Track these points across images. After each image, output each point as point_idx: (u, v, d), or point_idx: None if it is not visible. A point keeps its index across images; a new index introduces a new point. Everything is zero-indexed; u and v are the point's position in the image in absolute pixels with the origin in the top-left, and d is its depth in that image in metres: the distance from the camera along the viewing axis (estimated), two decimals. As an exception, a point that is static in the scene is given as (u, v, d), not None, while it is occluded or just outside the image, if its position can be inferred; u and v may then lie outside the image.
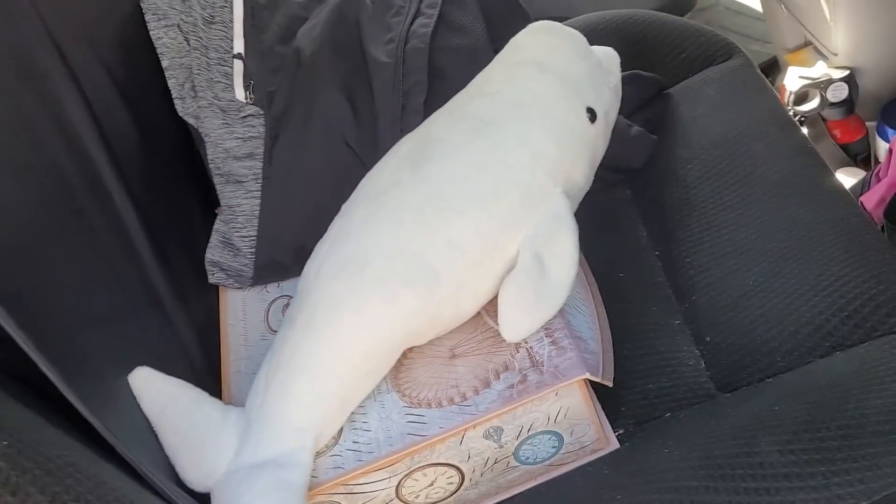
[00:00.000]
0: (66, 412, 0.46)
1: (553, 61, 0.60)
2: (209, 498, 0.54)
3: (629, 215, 0.76)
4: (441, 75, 0.70)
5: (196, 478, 0.54)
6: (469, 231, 0.55)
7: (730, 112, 0.76)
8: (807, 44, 1.25)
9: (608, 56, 0.64)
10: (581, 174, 0.60)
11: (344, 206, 0.60)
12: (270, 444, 0.54)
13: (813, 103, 1.03)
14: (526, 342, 0.58)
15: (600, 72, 0.62)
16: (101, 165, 0.62)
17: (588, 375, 0.55)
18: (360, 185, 0.60)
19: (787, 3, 1.17)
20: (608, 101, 0.62)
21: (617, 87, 0.63)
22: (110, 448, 0.47)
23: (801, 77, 1.05)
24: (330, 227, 0.60)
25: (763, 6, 1.29)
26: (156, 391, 0.57)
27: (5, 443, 0.37)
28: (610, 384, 0.56)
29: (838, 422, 0.49)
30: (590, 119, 0.59)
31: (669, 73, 0.84)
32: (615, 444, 0.61)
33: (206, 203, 0.80)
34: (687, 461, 0.52)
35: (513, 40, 0.63)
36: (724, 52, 0.84)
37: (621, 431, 0.62)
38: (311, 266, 0.58)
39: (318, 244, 0.59)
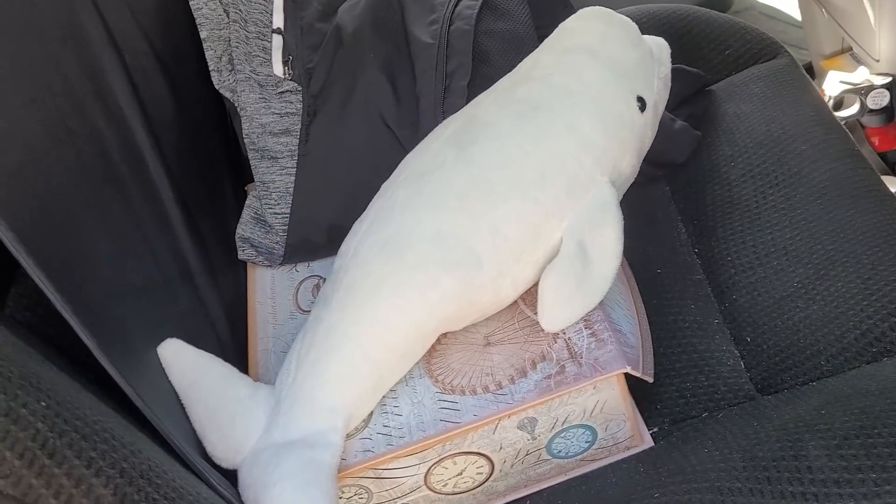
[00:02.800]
0: (98, 380, 0.45)
1: (604, 48, 0.58)
2: (235, 474, 0.53)
3: (668, 212, 0.74)
4: (484, 59, 0.69)
5: (224, 453, 0.53)
6: (513, 217, 0.54)
7: (775, 111, 0.75)
8: (844, 50, 1.23)
9: (659, 46, 0.62)
10: (628, 164, 0.58)
11: (384, 186, 0.59)
12: (301, 424, 0.53)
13: (852, 109, 1.01)
14: (564, 333, 0.57)
15: (651, 61, 0.60)
16: (137, 134, 0.61)
17: (629, 369, 0.54)
18: (401, 165, 0.59)
19: (828, 7, 1.15)
20: (658, 91, 0.60)
21: (667, 77, 0.62)
22: (142, 419, 0.46)
23: (841, 82, 1.03)
24: (369, 207, 0.58)
25: (802, 10, 1.27)
26: (185, 364, 0.56)
27: (43, 404, 0.36)
28: (650, 380, 0.55)
29: (889, 428, 0.47)
30: (640, 108, 0.58)
31: (713, 69, 0.82)
32: (649, 442, 0.60)
33: (237, 179, 0.79)
34: (729, 462, 0.50)
35: (562, 25, 0.62)
36: (770, 50, 0.83)
37: (655, 429, 0.60)
38: (348, 244, 0.57)
39: (357, 223, 0.58)
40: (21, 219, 0.45)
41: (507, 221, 0.54)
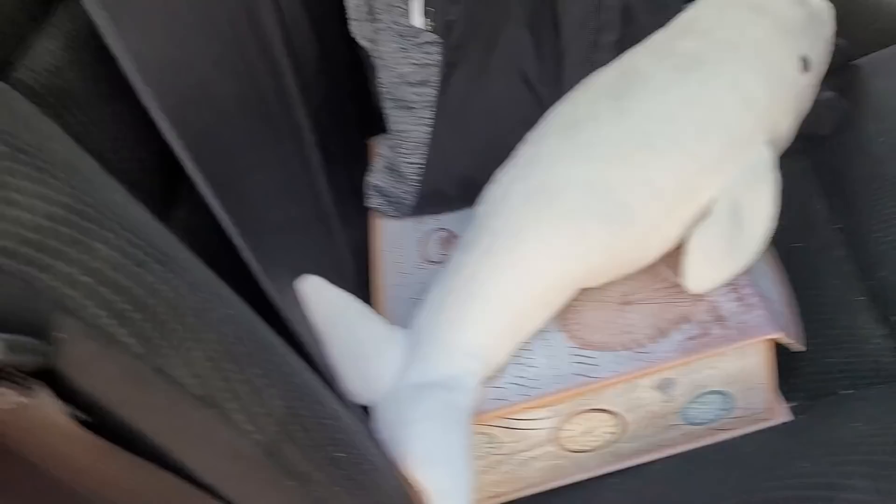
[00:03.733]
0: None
1: (770, 4, 0.56)
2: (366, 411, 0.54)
3: (808, 186, 0.71)
4: (629, 18, 0.67)
5: (361, 390, 0.54)
6: (669, 172, 0.52)
7: (928, 87, 0.71)
8: None
9: (823, 6, 0.60)
10: (787, 126, 0.56)
11: (530, 135, 0.58)
12: (438, 366, 0.53)
13: None
14: (708, 296, 0.55)
15: (816, 21, 0.58)
16: (286, 74, 0.62)
17: (781, 335, 0.52)
18: (549, 114, 0.58)
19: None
20: (821, 52, 0.58)
21: (830, 40, 0.59)
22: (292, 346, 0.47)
23: None
24: (516, 155, 0.58)
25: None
26: (325, 300, 0.56)
27: (231, 311, 0.37)
28: (802, 347, 0.53)
29: None
30: (803, 68, 0.56)
31: (859, 43, 0.78)
32: (786, 416, 0.58)
33: (363, 131, 0.80)
34: (881, 437, 0.48)
35: (724, -21, 0.60)
36: (922, 26, 0.78)
37: (793, 404, 0.58)
38: (494, 191, 0.57)
39: (500, 171, 0.58)
40: (193, 143, 0.46)
41: (663, 176, 0.52)
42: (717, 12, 0.57)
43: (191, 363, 0.34)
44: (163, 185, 0.50)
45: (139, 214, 0.37)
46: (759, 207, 0.53)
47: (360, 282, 0.68)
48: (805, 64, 0.56)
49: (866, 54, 0.79)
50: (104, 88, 0.47)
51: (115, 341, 0.31)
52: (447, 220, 0.70)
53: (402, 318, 0.64)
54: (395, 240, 0.70)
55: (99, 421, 0.33)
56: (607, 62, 0.61)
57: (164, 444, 0.35)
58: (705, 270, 0.53)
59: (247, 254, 0.44)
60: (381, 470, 0.46)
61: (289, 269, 0.58)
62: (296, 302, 0.57)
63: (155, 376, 0.33)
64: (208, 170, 0.46)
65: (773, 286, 0.58)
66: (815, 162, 0.73)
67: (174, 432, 0.35)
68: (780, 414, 0.58)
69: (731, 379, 0.54)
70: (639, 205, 0.52)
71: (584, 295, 0.58)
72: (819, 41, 0.57)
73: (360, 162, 0.77)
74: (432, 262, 0.67)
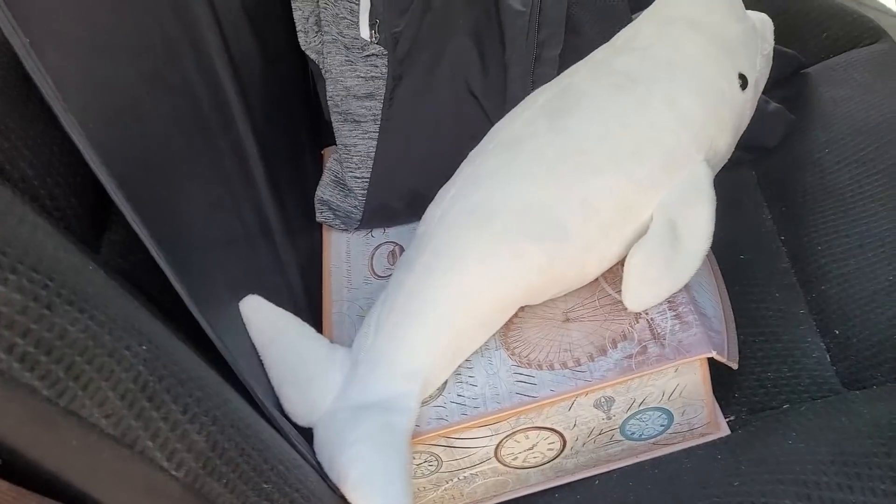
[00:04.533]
0: (184, 332, 0.46)
1: (707, 21, 0.56)
2: (309, 432, 0.54)
3: (753, 197, 0.72)
4: (575, 30, 0.67)
5: (299, 411, 0.54)
6: (605, 191, 0.53)
7: (875, 97, 0.71)
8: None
9: (763, 22, 0.60)
10: (725, 143, 0.57)
11: (472, 153, 0.58)
12: (378, 387, 0.53)
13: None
14: (647, 313, 0.55)
15: (754, 37, 0.58)
16: (227, 87, 0.62)
17: (714, 354, 0.52)
18: (491, 132, 0.58)
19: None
20: (760, 69, 0.58)
21: (769, 55, 0.60)
22: (224, 373, 0.47)
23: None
24: (457, 173, 0.58)
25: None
26: (265, 320, 0.56)
27: (144, 347, 0.36)
28: (735, 366, 0.53)
29: None
30: (741, 86, 0.56)
31: (810, 51, 0.79)
32: (725, 431, 0.58)
33: (314, 143, 0.80)
34: (816, 455, 0.49)
35: (665, -5, 0.60)
36: (871, 34, 0.79)
37: (732, 418, 0.59)
38: (434, 210, 0.56)
39: (443, 189, 0.57)
40: (120, 164, 0.46)
41: (599, 195, 0.52)
42: (656, 29, 0.57)
43: (102, 403, 0.34)
44: (93, 209, 0.49)
45: (52, 250, 0.36)
46: (696, 225, 0.54)
47: (309, 298, 0.67)
48: (743, 81, 0.56)
49: (816, 63, 0.79)
50: (34, 109, 0.46)
51: (21, 384, 0.31)
52: (395, 233, 0.70)
53: (349, 335, 0.63)
54: (344, 254, 0.70)
55: (9, 463, 0.33)
56: (549, 77, 0.61)
57: (79, 484, 0.34)
58: (643, 289, 0.54)
59: (172, 276, 0.43)
60: (316, 496, 0.46)
61: (230, 289, 0.57)
62: (239, 323, 0.57)
63: (65, 417, 0.33)
64: (136, 190, 0.45)
65: (713, 301, 0.58)
66: (762, 172, 0.73)
67: (89, 472, 0.35)
68: (720, 428, 0.58)
69: (669, 396, 0.55)
70: (575, 224, 0.52)
71: (526, 312, 0.58)
72: (758, 57, 0.58)
73: (313, 175, 0.77)
74: (380, 276, 0.67)
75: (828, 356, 0.59)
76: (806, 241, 0.65)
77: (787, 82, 0.76)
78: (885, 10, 1.40)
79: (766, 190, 0.72)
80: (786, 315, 0.62)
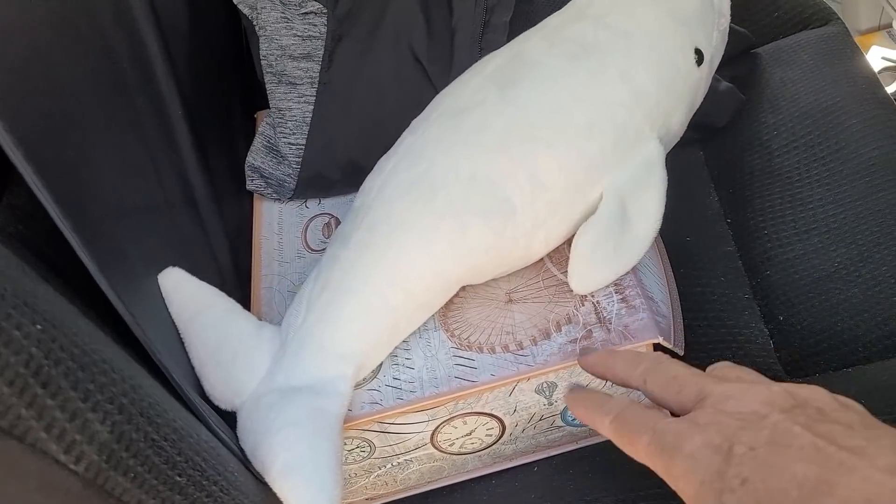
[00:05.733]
0: (93, 307, 0.41)
1: (666, -9, 0.54)
2: (233, 416, 0.50)
3: (700, 177, 0.71)
4: (526, -4, 0.64)
5: (222, 394, 0.50)
6: (554, 166, 0.50)
7: (824, 81, 0.70)
8: (882, 27, 1.19)
9: (721, -5, 0.58)
10: (678, 121, 0.54)
11: (415, 122, 0.54)
12: (307, 369, 0.49)
13: (891, 88, 0.97)
14: (593, 296, 0.53)
15: (711, 11, 0.56)
16: (147, 40, 0.56)
17: (661, 340, 0.51)
18: (435, 100, 0.55)
19: (874, -20, 1.10)
20: (716, 44, 0.56)
21: (725, 31, 0.58)
22: (139, 352, 0.42)
23: (884, 58, 0.99)
24: (397, 143, 0.54)
25: (844, -19, 1.22)
26: (187, 296, 0.52)
27: (38, 327, 0.32)
28: (681, 352, 0.52)
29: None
30: (696, 62, 0.54)
31: (760, 31, 0.78)
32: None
33: (246, 105, 0.75)
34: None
35: (620, -37, 0.57)
36: (821, 16, 0.78)
37: (674, 404, 0.57)
38: (372, 181, 0.53)
39: (383, 159, 0.54)
40: (21, 120, 0.41)
41: (548, 170, 0.50)
42: (612, -1, 0.54)
43: (-12, 391, 0.29)
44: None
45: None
46: (646, 206, 0.51)
47: (237, 273, 0.63)
48: (699, 56, 0.54)
49: (767, 43, 0.78)
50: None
51: None
52: (330, 204, 0.66)
53: (279, 312, 0.60)
54: (275, 225, 0.66)
55: None
56: (498, 43, 0.58)
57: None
58: (590, 271, 0.51)
59: (77, 245, 0.39)
60: (238, 488, 0.42)
61: (147, 262, 0.53)
62: (158, 298, 0.53)
63: (-57, 408, 0.28)
64: (38, 149, 0.40)
65: (659, 284, 0.56)
66: (709, 152, 0.72)
67: (-27, 467, 0.30)
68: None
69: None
70: (522, 201, 0.50)
71: (467, 291, 0.55)
72: (715, 32, 0.56)
73: (244, 139, 0.72)
74: (314, 250, 0.63)
75: (771, 343, 0.59)
76: (752, 225, 0.64)
77: (737, 61, 0.74)
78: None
79: (713, 170, 0.71)
80: (730, 300, 0.61)
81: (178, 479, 0.37)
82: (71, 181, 0.44)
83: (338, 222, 0.65)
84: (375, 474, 0.55)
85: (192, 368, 0.51)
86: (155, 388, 0.40)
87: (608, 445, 0.56)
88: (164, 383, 0.43)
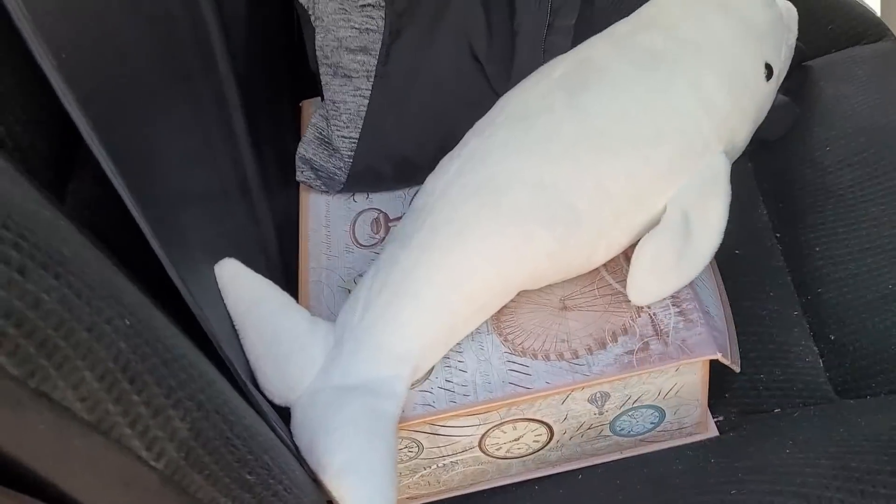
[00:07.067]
0: (157, 298, 0.41)
1: (737, 4, 0.53)
2: (287, 411, 0.50)
3: (749, 190, 0.70)
4: (588, 0, 0.63)
5: (277, 389, 0.50)
6: (621, 175, 0.49)
7: (879, 96, 0.70)
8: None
9: (789, 10, 0.57)
10: (743, 135, 0.54)
11: (479, 124, 0.54)
12: (364, 368, 0.49)
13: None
14: (650, 308, 0.53)
15: (781, 25, 0.55)
16: (210, 27, 0.56)
17: (719, 356, 0.50)
18: (500, 102, 0.54)
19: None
20: (784, 59, 0.55)
21: (793, 46, 0.57)
22: (204, 345, 0.42)
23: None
24: (461, 144, 0.53)
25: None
26: (243, 288, 0.52)
27: (127, 322, 0.32)
28: (737, 368, 0.51)
29: None
30: (766, 76, 0.53)
31: (813, 43, 0.77)
32: (714, 431, 0.57)
33: (296, 94, 0.74)
34: (817, 468, 0.47)
35: (693, -26, 0.56)
36: (875, 31, 0.77)
37: (721, 419, 0.57)
38: (435, 182, 0.52)
39: (446, 159, 0.53)
40: (94, 103, 0.40)
41: (615, 179, 0.49)
42: (683, 8, 0.54)
43: (78, 384, 0.29)
44: (58, 153, 0.44)
45: (20, 201, 0.31)
46: (709, 220, 0.51)
47: (285, 263, 0.63)
48: (769, 71, 0.53)
49: (819, 56, 0.77)
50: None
51: (-14, 361, 0.26)
52: (380, 200, 0.65)
53: (328, 306, 0.59)
54: (323, 217, 0.65)
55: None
56: (562, 47, 0.58)
57: (45, 472, 0.30)
58: (650, 282, 0.51)
59: (150, 234, 0.38)
60: (298, 486, 0.42)
61: (205, 249, 0.52)
62: (213, 288, 0.52)
63: (35, 400, 0.28)
64: (108, 134, 0.40)
65: (713, 298, 0.56)
66: (759, 165, 0.71)
67: (58, 461, 0.30)
68: (709, 429, 0.57)
69: (665, 395, 0.53)
70: (587, 209, 0.49)
71: (521, 296, 0.55)
72: (783, 47, 0.55)
73: (290, 128, 0.71)
74: (362, 245, 0.63)
75: (821, 362, 0.58)
76: (803, 241, 0.64)
77: (788, 74, 0.74)
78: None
79: (762, 183, 0.70)
80: (780, 316, 0.61)
81: (248, 477, 0.37)
82: (138, 166, 0.44)
83: (387, 218, 0.64)
84: (420, 474, 0.55)
85: (247, 363, 0.51)
86: (225, 385, 0.40)
87: (654, 457, 0.56)
88: (227, 379, 0.42)
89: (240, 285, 0.51)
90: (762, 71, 0.53)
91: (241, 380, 0.42)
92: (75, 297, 0.29)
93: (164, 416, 0.32)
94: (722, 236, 0.52)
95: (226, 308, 0.51)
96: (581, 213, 0.49)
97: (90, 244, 0.37)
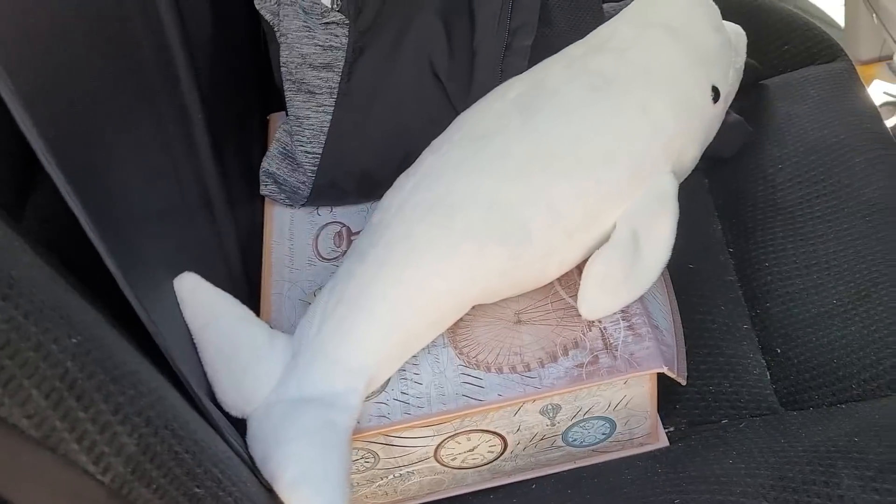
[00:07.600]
0: (109, 310, 0.42)
1: (687, 29, 0.55)
2: (243, 423, 0.51)
3: (705, 205, 0.72)
4: (547, 21, 0.65)
5: (234, 401, 0.51)
6: (572, 195, 0.51)
7: (830, 117, 0.72)
8: (882, 58, 1.21)
9: (737, 34, 0.59)
10: (691, 156, 0.56)
11: (435, 142, 0.55)
12: (320, 381, 0.50)
13: (890, 122, 0.99)
14: (600, 322, 0.54)
15: (729, 49, 0.57)
16: (173, 47, 0.57)
17: (665, 370, 0.52)
18: (457, 121, 0.56)
19: (879, 12, 1.12)
20: (732, 82, 0.57)
21: (741, 69, 0.59)
22: (154, 359, 0.43)
23: (885, 93, 1.01)
24: (418, 162, 0.55)
25: (847, 12, 1.24)
26: (201, 302, 0.52)
27: (74, 340, 0.33)
28: (683, 382, 0.53)
29: (927, 468, 0.46)
30: (713, 98, 0.55)
31: (768, 63, 0.79)
32: (664, 441, 0.58)
33: (262, 109, 0.75)
34: (756, 477, 0.49)
35: (647, -3, 0.58)
36: (829, 52, 0.80)
37: (671, 429, 0.59)
38: (391, 199, 0.54)
39: (403, 177, 0.55)
40: (52, 125, 0.41)
41: (566, 199, 0.51)
42: (635, 32, 0.55)
43: (25, 402, 0.30)
44: (20, 169, 0.45)
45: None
46: (658, 237, 0.53)
47: (248, 276, 0.64)
48: (716, 93, 0.55)
49: (773, 75, 0.79)
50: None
51: (-69, 381, 0.27)
52: (343, 213, 0.66)
53: (289, 319, 0.60)
54: (286, 230, 0.66)
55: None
56: (519, 67, 0.59)
57: (-7, 486, 0.31)
58: (600, 297, 0.53)
59: (104, 251, 0.39)
60: (250, 498, 0.43)
61: (166, 264, 0.53)
62: (173, 302, 0.53)
63: (-20, 418, 0.29)
64: (65, 154, 0.41)
65: (664, 312, 0.58)
66: (715, 182, 0.73)
67: (6, 476, 0.31)
68: (660, 439, 0.58)
69: (615, 406, 0.54)
70: (539, 227, 0.51)
71: (476, 310, 0.56)
72: (731, 70, 0.57)
73: (257, 142, 0.72)
74: (325, 258, 0.64)
75: (768, 374, 0.60)
76: (754, 256, 0.66)
77: (745, 93, 0.76)
78: (832, 24, 1.44)
79: (718, 199, 0.72)
80: (730, 329, 0.62)
81: (197, 490, 0.38)
82: (96, 184, 0.45)
83: (349, 232, 0.65)
84: (377, 484, 0.56)
85: (204, 375, 0.52)
86: (176, 398, 0.41)
87: (606, 467, 0.57)
88: (180, 392, 0.43)
89: (198, 299, 0.52)
90: (709, 94, 0.55)
91: (195, 393, 0.43)
92: (22, 318, 0.30)
93: (111, 432, 0.33)
94: (670, 252, 0.54)
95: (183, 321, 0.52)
96: (533, 232, 0.51)
97: (42, 263, 0.37)
